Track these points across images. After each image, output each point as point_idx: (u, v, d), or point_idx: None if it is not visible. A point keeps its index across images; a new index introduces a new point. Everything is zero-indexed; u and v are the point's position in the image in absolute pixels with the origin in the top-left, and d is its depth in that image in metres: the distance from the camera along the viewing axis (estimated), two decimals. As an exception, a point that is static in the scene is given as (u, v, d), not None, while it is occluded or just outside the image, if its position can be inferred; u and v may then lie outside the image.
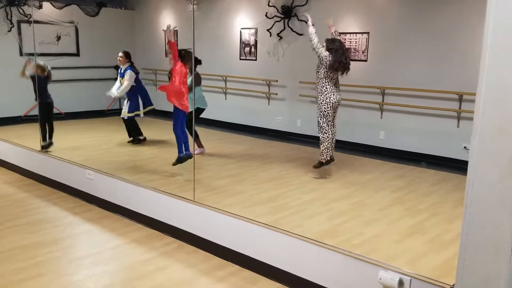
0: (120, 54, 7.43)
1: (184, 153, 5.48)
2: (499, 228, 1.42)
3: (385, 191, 5.24)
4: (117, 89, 7.41)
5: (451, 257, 3.49)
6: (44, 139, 6.68)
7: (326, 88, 5.37)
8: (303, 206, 4.65)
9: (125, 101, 7.59)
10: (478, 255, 1.48)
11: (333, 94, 5.39)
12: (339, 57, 5.31)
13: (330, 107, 5.40)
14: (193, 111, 5.57)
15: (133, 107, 7.49)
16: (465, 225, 1.51)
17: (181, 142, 5.47)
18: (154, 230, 4.93)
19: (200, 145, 6.90)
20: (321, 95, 5.40)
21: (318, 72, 5.46)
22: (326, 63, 5.33)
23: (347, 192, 5.15)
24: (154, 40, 11.00)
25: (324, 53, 5.36)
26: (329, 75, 5.37)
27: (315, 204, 4.73)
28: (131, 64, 7.47)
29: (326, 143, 5.50)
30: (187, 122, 5.97)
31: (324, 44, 5.42)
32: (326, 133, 5.47)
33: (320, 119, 5.46)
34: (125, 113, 7.50)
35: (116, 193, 5.41)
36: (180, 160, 5.48)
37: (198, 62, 6.74)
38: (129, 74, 7.35)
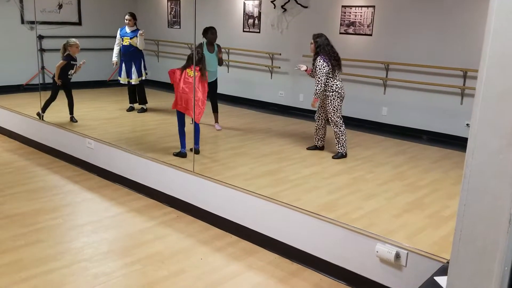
0: (128, 16, 7.37)
1: (195, 147, 5.31)
2: (498, 198, 1.40)
3: (386, 166, 5.23)
4: (116, 47, 7.51)
5: (449, 232, 3.49)
6: (44, 109, 6.64)
7: (337, 85, 5.38)
8: (303, 179, 4.65)
9: (123, 66, 7.53)
10: (475, 226, 1.47)
11: (342, 89, 5.42)
12: (334, 54, 5.37)
13: (342, 99, 5.44)
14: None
15: (139, 71, 7.53)
16: (464, 195, 1.49)
17: (183, 137, 5.32)
18: (154, 200, 4.95)
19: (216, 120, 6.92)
20: (331, 93, 5.38)
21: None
22: (328, 67, 5.32)
23: (347, 167, 5.14)
24: (157, 10, 10.84)
25: (323, 65, 5.29)
26: (334, 74, 5.38)
27: (315, 178, 4.73)
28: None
29: (345, 136, 5.49)
30: (209, 93, 6.22)
31: (312, 41, 5.44)
32: (342, 126, 5.46)
33: (334, 115, 5.42)
34: (136, 79, 7.55)
35: (116, 163, 5.41)
36: (180, 155, 5.30)
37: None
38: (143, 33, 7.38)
